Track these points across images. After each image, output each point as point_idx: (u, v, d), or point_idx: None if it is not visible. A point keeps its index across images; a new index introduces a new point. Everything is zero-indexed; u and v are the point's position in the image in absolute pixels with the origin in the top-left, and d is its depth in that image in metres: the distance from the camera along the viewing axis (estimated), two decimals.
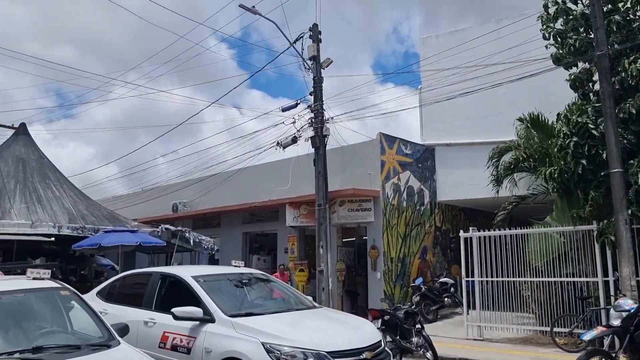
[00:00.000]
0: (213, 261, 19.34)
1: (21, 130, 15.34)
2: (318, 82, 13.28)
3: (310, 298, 6.65)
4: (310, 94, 13.48)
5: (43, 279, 4.43)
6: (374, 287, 13.64)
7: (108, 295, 6.65)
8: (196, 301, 5.47)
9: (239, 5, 12.23)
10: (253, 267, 17.34)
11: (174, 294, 5.90)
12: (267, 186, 16.40)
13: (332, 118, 13.24)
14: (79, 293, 4.40)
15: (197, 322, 5.28)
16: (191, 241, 14.12)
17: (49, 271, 4.50)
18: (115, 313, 6.20)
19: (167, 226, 14.64)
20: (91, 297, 6.89)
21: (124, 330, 4.26)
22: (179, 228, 14.55)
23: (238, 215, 17.56)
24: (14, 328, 3.77)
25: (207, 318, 5.25)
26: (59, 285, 4.40)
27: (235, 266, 6.84)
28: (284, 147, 14.10)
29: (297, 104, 13.83)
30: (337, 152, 14.70)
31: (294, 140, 13.74)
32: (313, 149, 13.19)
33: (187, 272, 5.96)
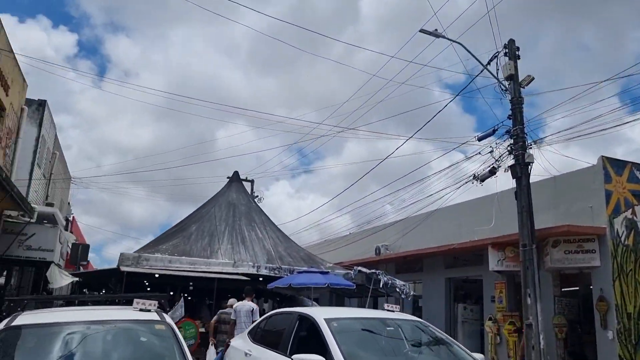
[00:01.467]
0: (416, 309, 18.16)
1: (234, 178, 16.79)
2: (517, 103, 11.58)
3: (480, 356, 5.19)
4: (509, 118, 11.81)
5: (149, 310, 4.16)
6: (604, 350, 10.81)
7: (255, 335, 6.24)
8: (323, 349, 4.61)
9: (420, 30, 11.50)
10: (459, 317, 15.67)
11: (308, 338, 5.14)
12: (469, 227, 14.84)
13: (534, 142, 11.30)
14: (175, 328, 3.98)
15: None
16: (381, 284, 13.30)
17: (156, 302, 4.23)
18: (257, 355, 5.73)
19: (360, 268, 14.17)
20: (243, 337, 6.59)
21: None
22: (373, 271, 13.91)
23: (439, 258, 16.19)
24: (91, 358, 3.49)
25: None
26: (157, 319, 4.05)
27: (388, 310, 5.80)
28: (482, 181, 12.55)
29: (494, 131, 12.26)
30: (548, 184, 12.50)
31: (492, 171, 12.10)
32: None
33: (321, 314, 5.16)
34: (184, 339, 10.04)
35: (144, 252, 12.82)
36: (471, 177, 12.75)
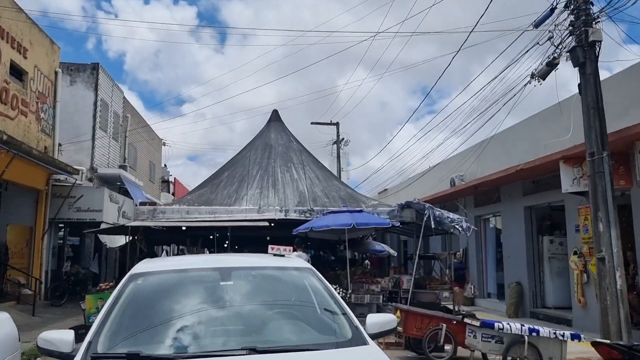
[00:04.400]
0: (498, 245, 15.63)
1: (273, 117, 15.36)
2: None
3: (391, 318, 3.23)
4: None
5: None
6: None
7: None
8: None
9: None
10: (544, 252, 13.03)
11: None
12: (544, 141, 11.94)
13: (601, 11, 8.19)
14: None
15: None
16: (432, 221, 11.17)
17: None
18: None
19: (407, 202, 12.15)
20: None
21: None
22: (421, 204, 11.80)
23: (517, 185, 13.46)
24: None
25: (71, 355, 2.79)
26: None
27: (276, 255, 4.01)
28: (542, 78, 9.68)
29: (552, 10, 9.26)
30: (633, 73, 9.29)
31: (550, 64, 9.20)
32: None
33: (139, 267, 3.57)
34: None
35: (165, 205, 12.04)
36: (528, 78, 9.94)
